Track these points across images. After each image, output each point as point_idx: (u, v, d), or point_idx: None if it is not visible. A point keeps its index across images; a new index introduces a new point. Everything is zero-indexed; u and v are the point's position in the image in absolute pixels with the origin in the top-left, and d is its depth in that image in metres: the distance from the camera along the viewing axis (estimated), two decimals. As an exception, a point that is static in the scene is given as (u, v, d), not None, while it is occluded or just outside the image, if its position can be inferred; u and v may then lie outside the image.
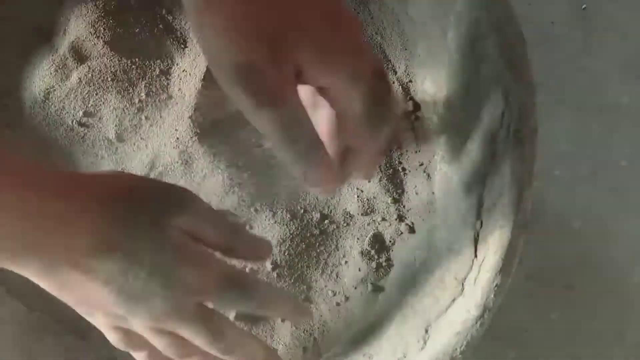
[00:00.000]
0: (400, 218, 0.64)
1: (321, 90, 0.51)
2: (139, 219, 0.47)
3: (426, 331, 0.56)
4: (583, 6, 0.81)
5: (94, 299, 0.48)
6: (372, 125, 0.51)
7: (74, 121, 0.66)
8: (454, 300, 0.55)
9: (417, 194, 0.64)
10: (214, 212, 0.54)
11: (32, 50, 0.68)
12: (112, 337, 0.53)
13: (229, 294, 0.50)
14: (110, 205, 0.47)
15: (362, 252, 0.64)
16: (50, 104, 0.66)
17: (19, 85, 0.67)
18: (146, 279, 0.47)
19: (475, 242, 0.55)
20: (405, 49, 0.65)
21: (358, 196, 0.65)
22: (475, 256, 0.54)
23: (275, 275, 0.64)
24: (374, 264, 0.64)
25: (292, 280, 0.64)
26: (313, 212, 0.65)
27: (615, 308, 0.77)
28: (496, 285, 0.52)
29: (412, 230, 0.63)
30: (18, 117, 0.66)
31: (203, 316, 0.50)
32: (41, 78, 0.66)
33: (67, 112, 0.66)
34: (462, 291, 0.55)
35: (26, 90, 0.66)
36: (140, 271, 0.47)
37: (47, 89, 0.66)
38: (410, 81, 0.65)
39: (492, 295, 0.52)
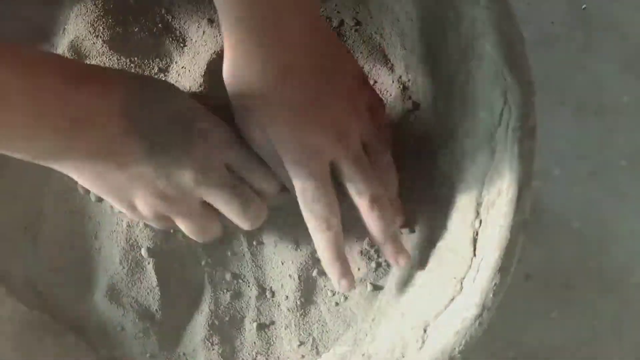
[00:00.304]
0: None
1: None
2: (159, 103, 0.55)
3: (425, 330, 0.56)
4: (583, 6, 0.81)
5: (131, 185, 0.55)
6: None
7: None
8: (452, 299, 0.55)
9: (416, 191, 0.64)
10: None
11: (31, 49, 0.68)
12: (149, 215, 0.58)
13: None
14: (133, 89, 0.54)
15: (361, 252, 0.64)
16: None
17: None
18: (177, 155, 0.54)
19: (474, 241, 0.55)
20: (405, 48, 0.65)
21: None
22: (474, 255, 0.54)
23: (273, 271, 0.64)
24: (373, 264, 0.64)
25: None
26: None
27: (615, 308, 0.77)
28: (495, 285, 0.52)
29: (412, 230, 0.63)
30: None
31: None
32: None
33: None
34: (461, 290, 0.55)
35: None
36: (171, 149, 0.54)
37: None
38: (410, 80, 0.65)
39: (491, 295, 0.52)
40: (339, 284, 0.57)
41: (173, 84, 0.62)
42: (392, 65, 0.67)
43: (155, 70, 0.67)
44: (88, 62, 0.66)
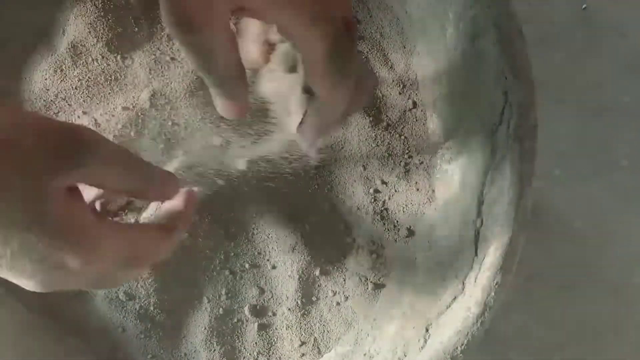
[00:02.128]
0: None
1: (279, 29, 0.48)
2: (17, 182, 0.41)
3: (427, 330, 0.56)
4: (583, 6, 0.81)
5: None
6: (337, 72, 0.48)
7: (74, 121, 0.66)
8: (454, 298, 0.55)
9: (417, 190, 0.64)
10: (120, 155, 0.47)
11: (32, 50, 0.68)
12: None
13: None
14: None
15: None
16: (50, 104, 0.66)
17: (19, 85, 0.67)
18: (12, 258, 0.42)
19: (476, 240, 0.55)
20: (404, 47, 0.65)
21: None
22: (476, 254, 0.54)
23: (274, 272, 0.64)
24: (373, 263, 0.64)
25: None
26: None
27: (615, 308, 0.77)
28: (497, 284, 0.52)
29: (411, 232, 0.63)
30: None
31: None
32: (41, 78, 0.66)
33: (67, 112, 0.66)
34: (463, 290, 0.55)
35: (25, 91, 0.66)
36: (6, 249, 0.42)
37: (47, 89, 0.66)
38: (410, 79, 0.65)
39: (493, 294, 0.52)
40: None
41: None
42: (392, 64, 0.67)
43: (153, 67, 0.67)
44: (88, 63, 0.66)
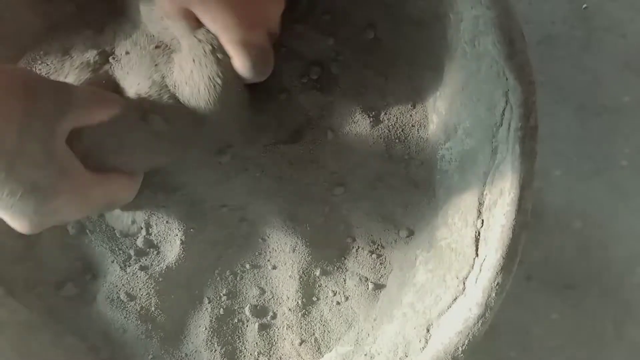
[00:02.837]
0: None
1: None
2: (31, 122, 0.47)
3: (428, 330, 0.56)
4: (583, 6, 0.81)
5: None
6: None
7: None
8: (455, 299, 0.55)
9: (418, 190, 0.64)
10: (100, 96, 0.56)
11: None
12: None
13: None
14: (3, 101, 0.47)
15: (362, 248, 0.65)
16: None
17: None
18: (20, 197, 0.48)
19: (477, 241, 0.55)
20: (405, 49, 0.65)
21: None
22: (477, 255, 0.54)
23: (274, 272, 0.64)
24: (374, 263, 0.64)
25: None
26: None
27: (615, 308, 0.77)
28: (497, 284, 0.52)
29: (411, 232, 0.63)
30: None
31: None
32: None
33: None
34: (464, 290, 0.55)
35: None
36: (18, 188, 0.47)
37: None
38: (411, 78, 0.65)
39: (494, 294, 0.52)
40: None
41: None
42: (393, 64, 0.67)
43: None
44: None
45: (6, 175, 0.46)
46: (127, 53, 0.62)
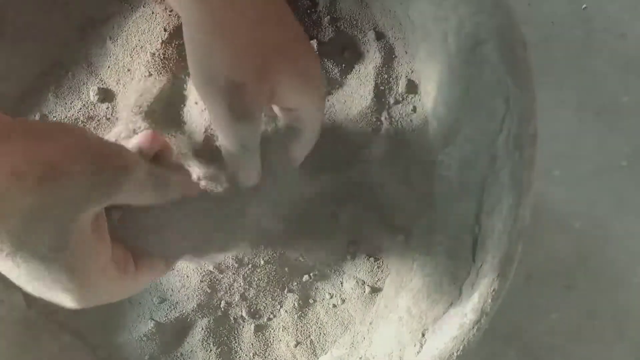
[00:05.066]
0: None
1: (287, 110, 0.57)
2: (44, 217, 0.41)
3: (423, 335, 0.56)
4: (583, 6, 0.81)
5: None
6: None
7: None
8: (451, 304, 0.55)
9: (416, 195, 0.64)
10: (152, 178, 0.49)
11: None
12: None
13: None
14: (14, 193, 0.40)
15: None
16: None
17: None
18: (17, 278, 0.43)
19: (474, 246, 0.55)
20: (406, 52, 0.65)
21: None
22: (474, 261, 0.54)
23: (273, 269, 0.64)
24: (371, 267, 0.64)
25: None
26: None
27: (615, 308, 0.77)
28: (494, 290, 0.52)
29: (409, 236, 0.63)
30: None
31: None
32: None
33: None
34: (460, 295, 0.55)
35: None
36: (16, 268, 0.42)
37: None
38: (412, 83, 0.65)
39: (490, 300, 0.52)
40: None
41: None
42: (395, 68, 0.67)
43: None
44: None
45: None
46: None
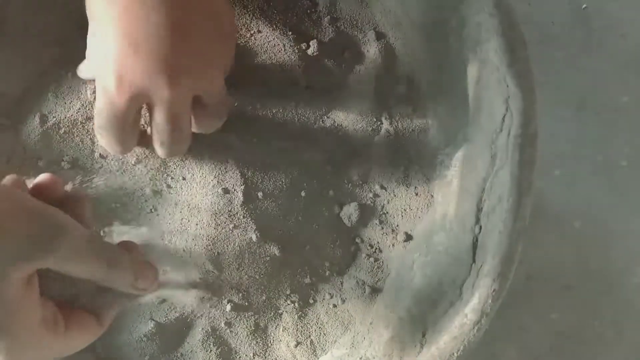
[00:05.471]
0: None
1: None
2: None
3: (423, 335, 0.56)
4: (583, 6, 0.81)
5: None
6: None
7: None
8: (451, 304, 0.55)
9: (416, 195, 0.64)
10: (92, 244, 0.48)
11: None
12: None
13: None
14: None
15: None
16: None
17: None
18: None
19: (474, 247, 0.55)
20: (407, 53, 0.65)
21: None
22: (474, 261, 0.54)
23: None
24: (371, 267, 0.64)
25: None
26: None
27: (615, 308, 0.77)
28: (494, 291, 0.52)
29: (409, 237, 0.63)
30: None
31: None
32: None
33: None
34: (460, 296, 0.55)
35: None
36: None
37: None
38: (412, 83, 0.65)
39: (490, 301, 0.52)
40: None
41: None
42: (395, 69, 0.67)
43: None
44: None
45: None
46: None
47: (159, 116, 0.56)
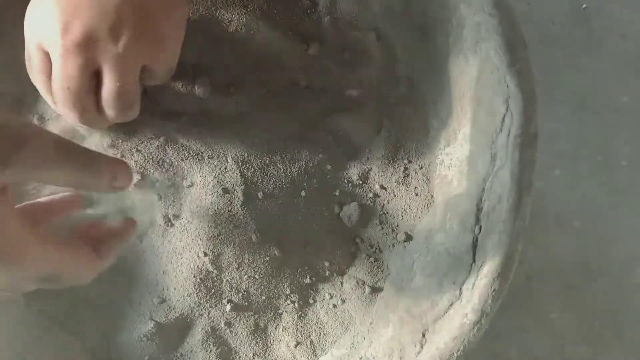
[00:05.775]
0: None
1: None
2: None
3: (423, 335, 0.56)
4: (583, 6, 0.81)
5: None
6: None
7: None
8: (451, 304, 0.55)
9: (416, 195, 0.64)
10: (62, 150, 0.45)
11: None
12: None
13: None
14: None
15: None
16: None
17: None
18: None
19: (474, 246, 0.55)
20: (407, 53, 0.65)
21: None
22: (474, 261, 0.54)
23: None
24: (371, 267, 0.64)
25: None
26: None
27: (615, 308, 0.77)
28: (494, 290, 0.52)
29: (409, 237, 0.63)
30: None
31: None
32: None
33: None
34: (460, 296, 0.55)
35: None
36: None
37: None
38: (412, 83, 0.65)
39: (490, 300, 0.52)
40: None
41: None
42: (395, 68, 0.67)
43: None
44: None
45: None
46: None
47: (108, 74, 0.56)
